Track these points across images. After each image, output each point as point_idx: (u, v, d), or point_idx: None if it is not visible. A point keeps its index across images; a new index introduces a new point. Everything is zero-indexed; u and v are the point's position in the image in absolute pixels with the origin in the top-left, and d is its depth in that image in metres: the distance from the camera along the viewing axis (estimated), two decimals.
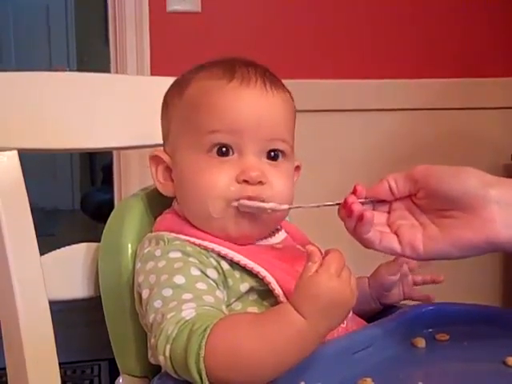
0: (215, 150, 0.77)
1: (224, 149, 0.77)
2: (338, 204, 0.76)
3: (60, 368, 0.87)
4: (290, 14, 1.98)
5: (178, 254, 0.75)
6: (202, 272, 0.73)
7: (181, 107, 0.81)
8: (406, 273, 0.90)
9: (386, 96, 2.02)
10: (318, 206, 0.78)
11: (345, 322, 0.78)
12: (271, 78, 0.80)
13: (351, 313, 0.80)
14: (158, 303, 0.71)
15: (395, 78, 2.03)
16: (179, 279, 0.72)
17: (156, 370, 0.75)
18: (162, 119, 0.85)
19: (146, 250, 0.78)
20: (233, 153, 0.77)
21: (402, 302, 0.91)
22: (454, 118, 2.10)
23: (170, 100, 0.84)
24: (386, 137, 2.06)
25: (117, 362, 0.88)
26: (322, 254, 0.67)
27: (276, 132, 0.79)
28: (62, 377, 0.87)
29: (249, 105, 0.78)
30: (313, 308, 0.64)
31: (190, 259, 0.74)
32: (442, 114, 2.08)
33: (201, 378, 0.64)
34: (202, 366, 0.63)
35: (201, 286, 0.72)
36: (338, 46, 2.01)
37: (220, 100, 0.77)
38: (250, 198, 0.76)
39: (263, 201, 0.77)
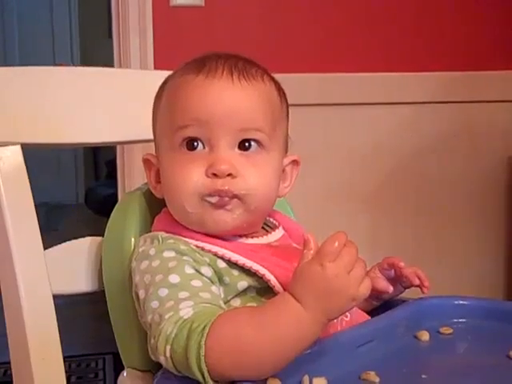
0: (184, 144, 0.77)
1: (195, 143, 0.77)
2: None
3: (64, 361, 0.87)
4: (293, 7, 1.98)
5: (172, 253, 0.74)
6: (196, 270, 0.73)
7: (160, 108, 0.82)
8: (393, 278, 0.88)
9: (391, 90, 2.02)
10: None
11: (348, 315, 0.78)
12: (242, 69, 0.78)
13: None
14: (154, 304, 0.71)
15: (400, 71, 2.03)
16: (174, 278, 0.71)
17: (160, 364, 0.75)
18: (152, 123, 0.85)
19: (140, 249, 0.78)
20: (203, 146, 0.77)
21: (406, 295, 0.91)
22: (459, 111, 2.09)
23: (155, 103, 0.84)
24: (392, 131, 2.06)
25: (121, 355, 0.89)
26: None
27: (247, 121, 0.77)
28: (66, 370, 0.87)
29: (214, 96, 0.76)
30: (309, 295, 0.63)
31: (184, 258, 0.74)
32: (448, 107, 2.08)
33: (203, 377, 0.64)
34: (203, 365, 0.63)
35: (196, 283, 0.72)
36: (342, 40, 2.00)
37: (187, 95, 0.77)
38: (219, 192, 0.75)
39: (236, 195, 0.75)
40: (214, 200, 0.76)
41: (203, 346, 0.63)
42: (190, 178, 0.76)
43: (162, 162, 0.81)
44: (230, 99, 0.77)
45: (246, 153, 0.77)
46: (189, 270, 0.73)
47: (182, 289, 0.70)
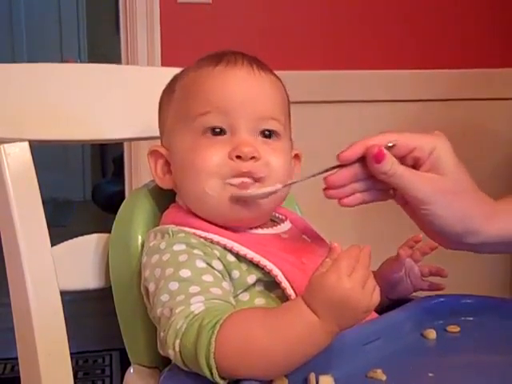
0: (207, 131, 0.78)
1: (217, 130, 0.78)
2: (336, 167, 0.75)
3: (71, 358, 0.87)
4: (299, 4, 1.97)
5: (183, 247, 0.74)
6: (208, 264, 0.73)
7: (174, 100, 0.83)
8: (411, 266, 0.89)
9: (397, 87, 2.01)
10: (314, 176, 0.76)
11: None
12: (258, 63, 0.81)
13: None
14: (164, 297, 0.71)
15: (403, 68, 2.02)
16: (185, 272, 0.71)
17: (166, 360, 0.75)
18: (159, 118, 0.86)
19: (151, 244, 0.78)
20: (225, 132, 0.78)
21: (413, 294, 0.91)
22: (464, 109, 2.08)
23: (164, 97, 0.85)
24: (398, 129, 2.05)
25: (127, 352, 0.89)
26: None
27: (266, 110, 0.79)
28: (73, 366, 0.87)
29: (235, 84, 0.78)
30: (323, 306, 0.63)
31: (195, 251, 0.74)
32: (456, 105, 2.07)
33: (211, 373, 0.64)
34: (212, 361, 0.63)
35: (207, 278, 0.72)
36: (350, 37, 2.00)
37: (207, 83, 0.79)
38: (243, 174, 0.76)
39: (258, 178, 0.77)
40: (236, 182, 0.76)
41: (213, 343, 0.63)
42: (212, 159, 0.76)
43: (177, 149, 0.81)
44: (251, 87, 0.79)
45: (266, 140, 0.79)
46: (200, 264, 0.73)
47: (193, 283, 0.71)
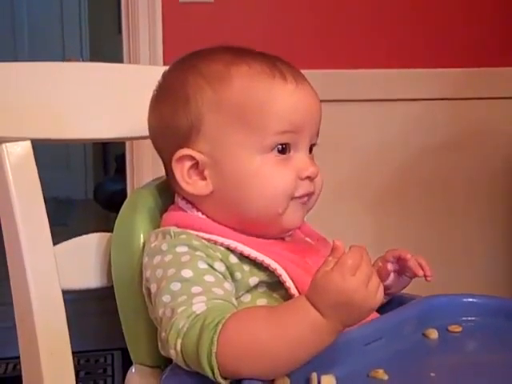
0: (276, 149, 0.78)
1: (286, 147, 0.78)
2: None
3: (73, 357, 0.87)
4: (302, 3, 1.97)
5: (185, 248, 0.74)
6: (209, 265, 0.73)
7: (222, 104, 0.78)
8: (398, 270, 0.89)
9: (399, 86, 2.01)
10: None
11: None
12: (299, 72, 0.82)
13: None
14: (166, 298, 0.71)
15: (409, 67, 2.02)
16: (187, 273, 0.71)
17: (168, 360, 0.75)
18: (176, 113, 0.80)
19: (152, 245, 0.77)
20: (289, 150, 0.78)
21: (415, 293, 0.91)
22: (469, 108, 2.08)
23: (194, 94, 0.79)
24: (400, 127, 2.05)
25: (129, 351, 0.89)
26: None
27: (318, 126, 0.82)
28: (75, 366, 0.87)
29: (305, 103, 0.79)
30: (328, 305, 0.63)
31: (197, 253, 0.74)
32: (459, 104, 2.06)
33: (213, 373, 0.64)
34: (214, 361, 0.63)
35: (209, 278, 0.72)
36: (352, 35, 2.00)
37: (282, 101, 0.78)
38: (311, 194, 0.80)
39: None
40: (303, 201, 0.80)
41: (215, 343, 0.63)
42: (285, 180, 0.78)
43: (232, 160, 0.77)
44: (314, 104, 0.81)
45: (310, 155, 0.82)
46: (202, 265, 0.73)
47: (195, 283, 0.70)
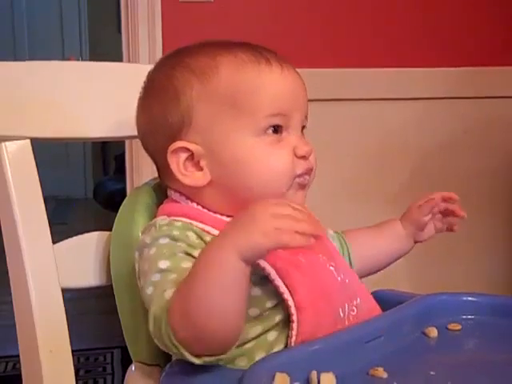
0: (270, 129, 0.79)
1: (277, 128, 0.79)
2: None
3: (73, 355, 0.87)
4: (302, 2, 1.97)
5: (166, 240, 0.75)
6: (189, 254, 0.74)
7: (211, 94, 0.79)
8: (435, 211, 0.95)
9: (402, 85, 2.01)
10: None
11: (355, 309, 0.78)
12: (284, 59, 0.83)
13: (359, 300, 0.80)
14: (149, 290, 0.72)
15: (410, 67, 2.02)
16: (164, 263, 0.73)
17: (167, 358, 0.75)
18: (166, 109, 0.80)
19: (140, 238, 0.79)
20: (281, 132, 0.80)
21: (414, 291, 0.91)
22: (471, 107, 2.08)
23: (182, 88, 0.79)
24: (400, 127, 2.05)
25: (129, 350, 0.89)
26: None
27: (306, 108, 0.83)
28: (74, 364, 0.87)
29: (292, 85, 0.81)
30: (229, 225, 0.66)
31: (178, 244, 0.75)
32: (460, 103, 2.06)
33: (178, 349, 0.66)
34: (173, 338, 0.65)
35: (186, 264, 0.72)
36: (352, 35, 2.00)
37: (270, 86, 0.79)
38: (309, 172, 0.80)
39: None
40: (303, 180, 0.80)
41: (165, 316, 0.66)
42: (283, 159, 0.79)
43: (228, 146, 0.78)
44: (301, 87, 0.82)
45: (302, 136, 0.83)
46: (180, 254, 0.74)
47: (172, 271, 0.72)
